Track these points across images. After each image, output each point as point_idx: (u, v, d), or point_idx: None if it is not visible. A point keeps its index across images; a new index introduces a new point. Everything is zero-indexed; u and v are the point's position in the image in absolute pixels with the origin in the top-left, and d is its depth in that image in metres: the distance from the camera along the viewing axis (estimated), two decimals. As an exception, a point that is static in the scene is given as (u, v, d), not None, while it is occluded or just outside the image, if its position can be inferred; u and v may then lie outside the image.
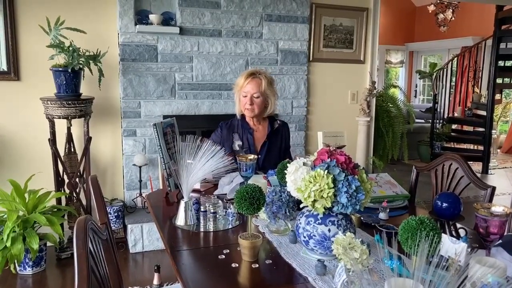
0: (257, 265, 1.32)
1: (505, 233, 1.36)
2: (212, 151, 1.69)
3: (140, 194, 3.36)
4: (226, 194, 2.03)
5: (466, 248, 1.22)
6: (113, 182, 3.45)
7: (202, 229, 1.64)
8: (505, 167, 6.88)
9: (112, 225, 3.24)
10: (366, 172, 1.38)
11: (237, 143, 2.35)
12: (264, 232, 1.60)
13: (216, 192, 2.11)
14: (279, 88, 3.76)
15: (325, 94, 4.03)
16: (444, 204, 1.56)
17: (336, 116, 4.06)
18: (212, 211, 1.65)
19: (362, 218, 1.74)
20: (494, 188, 1.76)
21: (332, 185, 1.28)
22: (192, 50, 3.46)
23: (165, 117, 3.37)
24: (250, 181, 1.86)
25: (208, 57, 3.52)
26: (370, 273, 1.09)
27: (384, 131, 4.71)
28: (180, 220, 1.67)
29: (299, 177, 1.34)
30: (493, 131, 6.68)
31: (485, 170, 6.25)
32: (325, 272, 1.27)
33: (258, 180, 1.92)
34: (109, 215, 3.22)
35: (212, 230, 1.63)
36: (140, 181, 3.35)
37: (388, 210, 1.80)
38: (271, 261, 1.36)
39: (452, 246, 1.27)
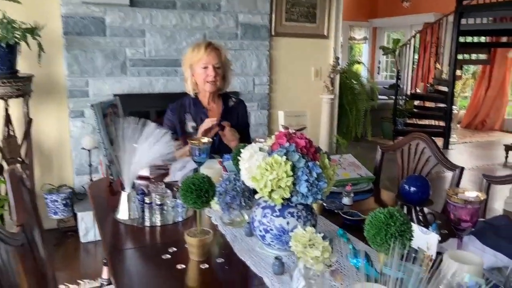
0: (206, 266, 1.16)
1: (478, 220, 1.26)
2: (158, 134, 1.49)
3: (91, 180, 3.12)
4: (178, 181, 1.86)
5: (437, 239, 1.11)
6: (61, 167, 3.18)
7: (147, 224, 1.46)
8: (465, 142, 7.01)
9: (60, 213, 3.00)
10: (328, 156, 1.24)
11: (190, 125, 2.16)
12: (217, 225, 1.44)
13: (167, 179, 1.92)
14: (239, 64, 3.57)
15: (288, 71, 3.86)
16: (412, 188, 1.45)
17: (299, 93, 3.91)
18: (158, 203, 1.47)
19: (324, 204, 1.61)
20: (462, 169, 1.67)
21: (291, 173, 1.13)
22: (144, 23, 3.19)
23: (115, 96, 3.12)
24: (203, 167, 1.69)
25: (162, 31, 3.26)
26: (333, 274, 0.95)
27: (347, 108, 4.61)
28: (122, 214, 1.48)
29: (254, 165, 1.18)
30: (453, 106, 6.76)
31: (446, 146, 6.33)
32: (284, 271, 1.12)
33: (212, 165, 1.75)
34: (56, 203, 2.97)
35: (159, 224, 1.46)
36: (90, 165, 3.11)
37: (352, 195, 1.68)
38: (223, 260, 1.20)
39: (422, 237, 1.15)
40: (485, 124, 8.12)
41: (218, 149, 2.03)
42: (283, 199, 1.15)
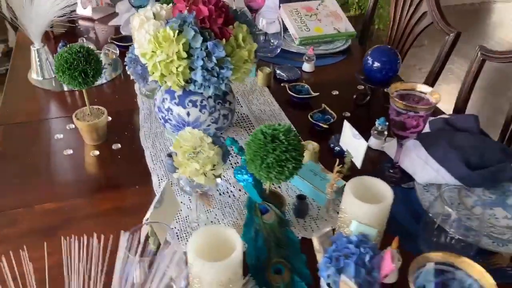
0: (97, 153, 1.01)
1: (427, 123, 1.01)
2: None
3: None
4: (120, 26, 1.60)
5: (365, 148, 0.89)
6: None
7: (66, 87, 1.28)
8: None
9: None
10: (251, 28, 0.93)
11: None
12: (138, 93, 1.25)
13: (112, 22, 1.66)
14: None
15: None
16: (376, 64, 1.13)
17: None
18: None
19: (276, 70, 1.35)
20: (458, 35, 1.30)
21: (184, 55, 0.86)
22: None
23: None
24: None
25: None
26: (202, 196, 0.79)
27: None
28: (34, 73, 1.29)
29: (145, 38, 0.91)
30: None
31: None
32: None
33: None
34: None
35: (77, 89, 1.27)
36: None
37: (314, 60, 1.39)
38: (119, 146, 1.04)
39: (352, 141, 0.93)
40: None
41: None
42: (179, 85, 0.91)
